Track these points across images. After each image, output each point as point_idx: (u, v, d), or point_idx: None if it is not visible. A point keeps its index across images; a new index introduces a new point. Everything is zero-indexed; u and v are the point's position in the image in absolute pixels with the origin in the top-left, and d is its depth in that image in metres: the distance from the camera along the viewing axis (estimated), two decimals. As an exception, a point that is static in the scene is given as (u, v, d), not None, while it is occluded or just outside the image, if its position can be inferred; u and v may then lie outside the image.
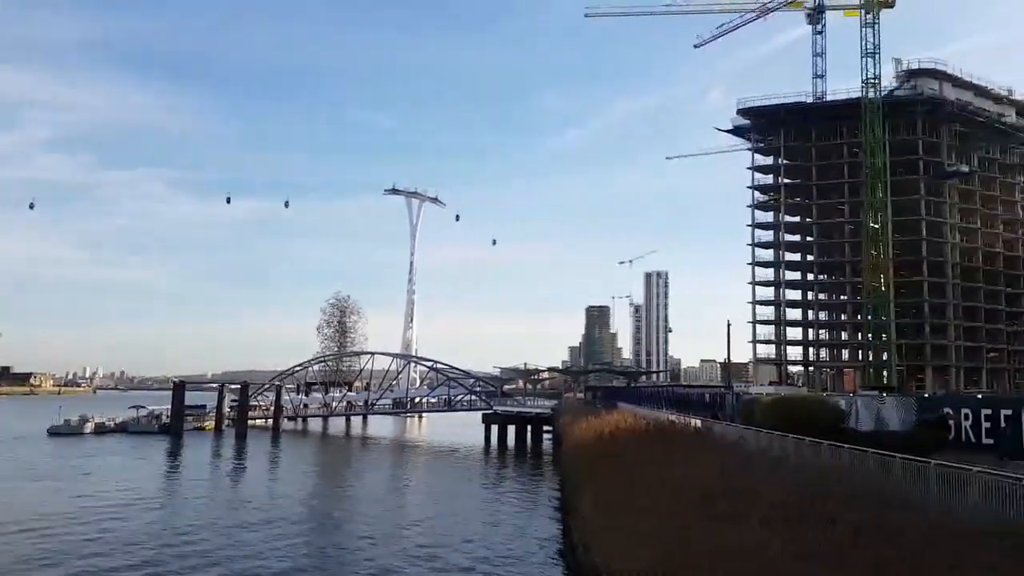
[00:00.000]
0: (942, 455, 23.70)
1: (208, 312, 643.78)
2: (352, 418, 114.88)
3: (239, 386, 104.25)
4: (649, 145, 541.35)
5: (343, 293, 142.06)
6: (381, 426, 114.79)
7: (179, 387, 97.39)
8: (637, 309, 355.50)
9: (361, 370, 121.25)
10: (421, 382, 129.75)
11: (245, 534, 34.88)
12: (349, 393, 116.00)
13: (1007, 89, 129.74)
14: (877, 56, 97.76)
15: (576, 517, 28.30)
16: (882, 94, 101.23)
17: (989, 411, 28.45)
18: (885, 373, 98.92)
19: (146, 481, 52.68)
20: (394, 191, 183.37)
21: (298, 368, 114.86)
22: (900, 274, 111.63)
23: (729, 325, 72.69)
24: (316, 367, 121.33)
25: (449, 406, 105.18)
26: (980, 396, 58.33)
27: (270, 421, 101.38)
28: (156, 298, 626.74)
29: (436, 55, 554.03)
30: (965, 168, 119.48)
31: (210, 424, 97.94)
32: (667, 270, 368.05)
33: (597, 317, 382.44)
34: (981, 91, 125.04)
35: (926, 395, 75.54)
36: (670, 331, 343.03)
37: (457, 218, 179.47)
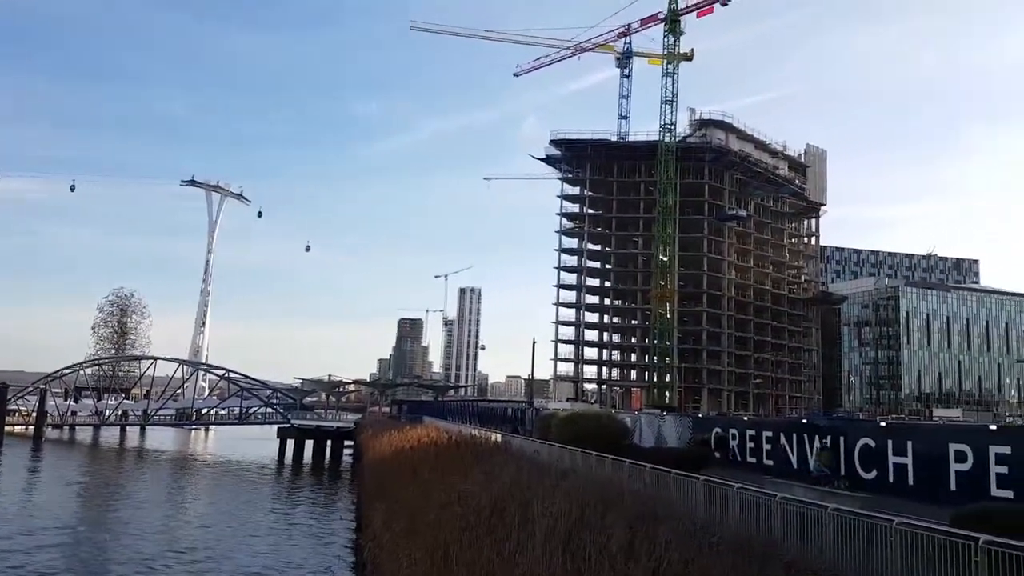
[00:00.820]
0: (711, 471, 26.61)
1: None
2: (128, 429, 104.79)
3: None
4: (467, 163, 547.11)
5: (125, 289, 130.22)
6: (161, 439, 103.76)
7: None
8: (449, 323, 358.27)
9: (141, 376, 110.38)
10: (210, 392, 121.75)
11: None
12: (126, 401, 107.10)
13: (782, 144, 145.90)
14: (674, 104, 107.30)
15: (367, 534, 28.09)
16: (676, 139, 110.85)
17: (753, 432, 30.67)
18: (667, 393, 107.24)
19: None
20: (193, 183, 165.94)
21: (67, 371, 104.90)
22: (683, 304, 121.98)
23: (534, 343, 76.43)
24: (89, 371, 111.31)
25: (241, 419, 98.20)
26: (746, 418, 64.82)
27: (31, 429, 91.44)
28: None
29: (252, 52, 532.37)
30: (743, 213, 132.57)
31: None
32: (481, 286, 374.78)
33: (409, 330, 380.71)
34: (760, 144, 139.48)
35: (700, 415, 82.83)
36: (483, 348, 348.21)
37: (260, 214, 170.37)
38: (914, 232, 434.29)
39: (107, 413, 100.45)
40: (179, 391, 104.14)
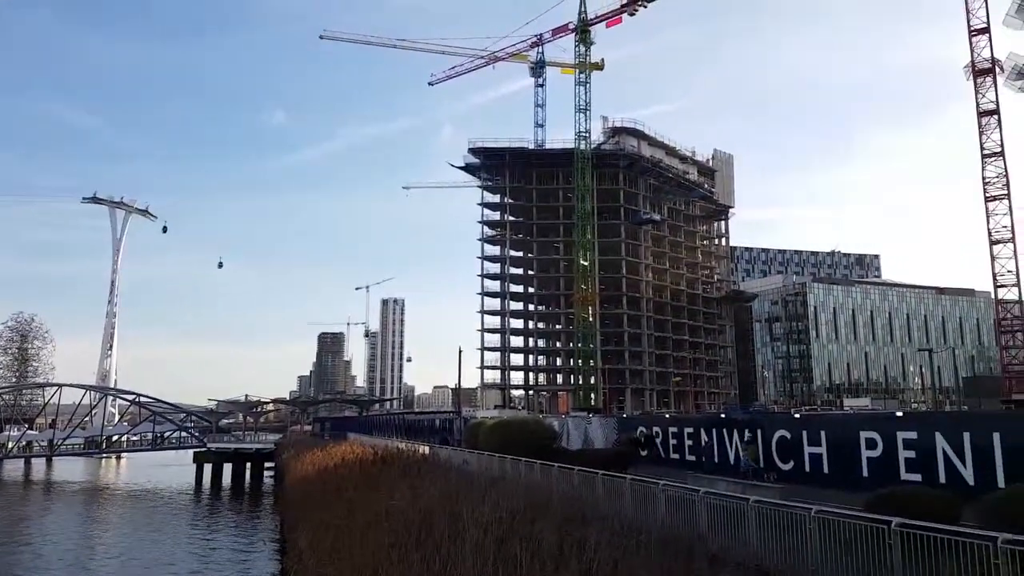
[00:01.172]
0: (638, 470, 26.66)
1: None
2: (33, 461, 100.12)
3: None
4: (385, 173, 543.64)
5: (25, 314, 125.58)
6: (70, 470, 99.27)
7: None
8: (372, 336, 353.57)
9: (45, 404, 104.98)
10: (121, 418, 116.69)
11: None
12: (29, 431, 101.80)
13: (691, 150, 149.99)
14: (588, 112, 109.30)
15: (292, 557, 27.54)
16: (591, 147, 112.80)
17: (675, 429, 31.36)
18: (593, 395, 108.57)
19: None
20: (95, 200, 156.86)
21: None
22: (605, 306, 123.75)
23: (460, 352, 75.99)
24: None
25: (154, 444, 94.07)
26: (668, 416, 66.17)
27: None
28: None
29: (157, 60, 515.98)
30: (657, 217, 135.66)
31: None
32: (404, 297, 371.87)
33: (330, 344, 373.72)
34: (671, 150, 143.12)
35: (625, 415, 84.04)
36: (409, 360, 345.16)
37: (164, 230, 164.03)
38: (818, 230, 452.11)
39: (9, 445, 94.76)
40: (87, 418, 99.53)
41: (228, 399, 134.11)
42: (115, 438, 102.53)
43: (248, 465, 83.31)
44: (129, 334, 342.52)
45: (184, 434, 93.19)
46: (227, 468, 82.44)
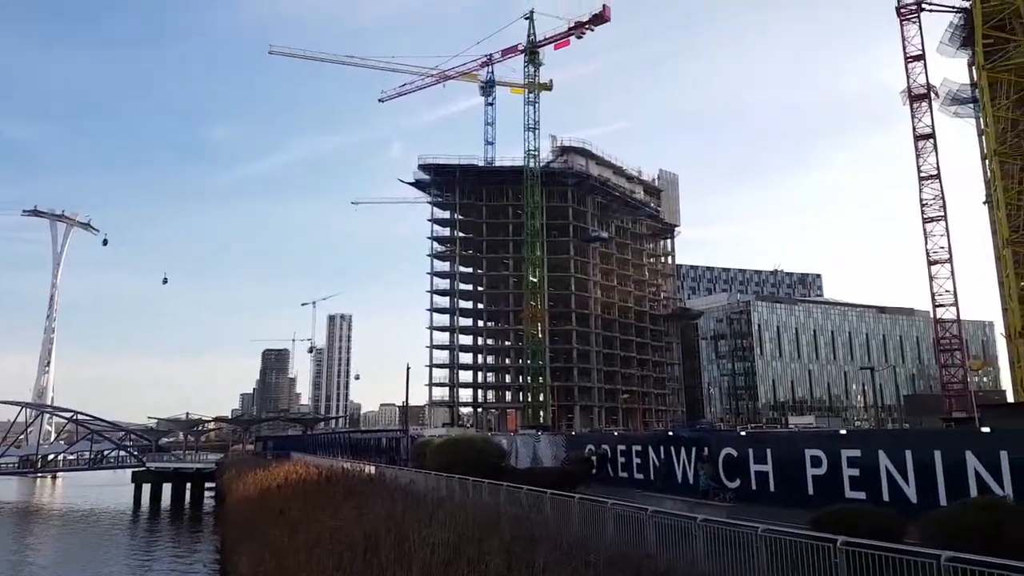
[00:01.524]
0: (587, 488, 26.35)
1: None
2: None
3: None
4: (334, 188, 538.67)
5: None
6: (2, 489, 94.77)
7: None
8: (318, 352, 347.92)
9: None
10: (57, 436, 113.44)
11: None
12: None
13: (637, 170, 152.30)
14: (537, 131, 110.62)
15: None
16: (541, 165, 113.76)
17: (624, 447, 31.32)
18: (542, 413, 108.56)
19: None
20: (36, 212, 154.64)
21: None
22: (554, 323, 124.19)
23: (408, 368, 74.90)
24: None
25: (92, 464, 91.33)
26: (616, 433, 66.42)
27: None
28: None
29: (100, 72, 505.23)
30: (605, 234, 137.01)
31: None
32: (352, 313, 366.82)
33: (275, 361, 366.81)
34: (618, 170, 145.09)
35: (574, 433, 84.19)
36: (357, 378, 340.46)
37: (105, 243, 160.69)
38: (761, 249, 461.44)
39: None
40: (22, 436, 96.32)
41: (168, 417, 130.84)
42: (51, 457, 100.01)
43: (188, 485, 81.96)
44: (68, 350, 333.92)
45: (123, 453, 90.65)
46: (167, 488, 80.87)
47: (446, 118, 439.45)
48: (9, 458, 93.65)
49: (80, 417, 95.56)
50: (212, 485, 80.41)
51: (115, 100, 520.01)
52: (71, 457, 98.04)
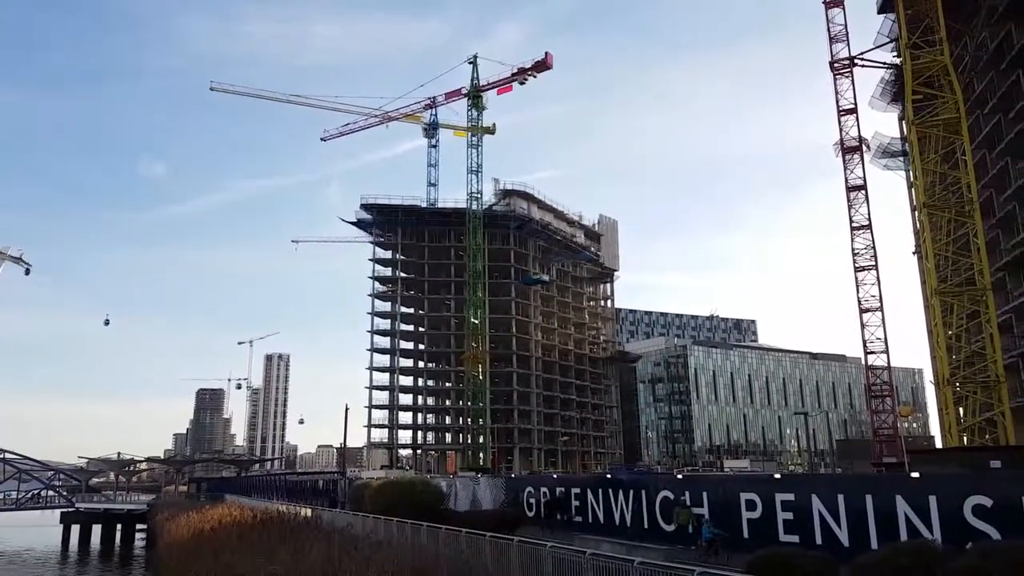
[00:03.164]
0: (526, 531, 26.40)
1: None
2: None
3: None
4: (274, 227, 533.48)
5: None
6: None
7: None
8: (254, 393, 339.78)
9: None
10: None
11: None
12: None
13: (578, 214, 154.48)
14: (480, 174, 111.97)
15: None
16: (483, 208, 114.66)
17: (562, 489, 31.38)
18: (482, 455, 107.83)
19: None
20: None
21: None
22: (495, 365, 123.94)
23: (347, 409, 74.45)
24: None
25: (18, 504, 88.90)
26: (555, 475, 66.33)
27: None
28: None
29: (37, 109, 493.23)
30: (546, 277, 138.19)
31: None
32: (289, 353, 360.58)
33: (209, 401, 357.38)
34: (559, 214, 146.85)
35: (513, 475, 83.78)
36: (301, 422, 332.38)
37: (28, 272, 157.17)
38: (696, 295, 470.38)
39: None
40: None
41: (99, 457, 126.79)
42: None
43: (119, 527, 79.59)
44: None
45: (51, 493, 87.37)
46: (96, 530, 78.57)
47: (389, 159, 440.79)
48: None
49: (6, 455, 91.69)
50: (144, 527, 78.17)
51: (47, 137, 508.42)
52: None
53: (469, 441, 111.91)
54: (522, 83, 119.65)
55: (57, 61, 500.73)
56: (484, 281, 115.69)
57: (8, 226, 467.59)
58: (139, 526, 79.79)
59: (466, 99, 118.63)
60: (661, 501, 24.91)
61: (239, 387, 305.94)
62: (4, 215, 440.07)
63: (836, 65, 75.37)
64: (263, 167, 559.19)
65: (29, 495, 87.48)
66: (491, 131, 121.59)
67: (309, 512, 42.18)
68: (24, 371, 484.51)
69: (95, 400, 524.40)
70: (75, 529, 78.06)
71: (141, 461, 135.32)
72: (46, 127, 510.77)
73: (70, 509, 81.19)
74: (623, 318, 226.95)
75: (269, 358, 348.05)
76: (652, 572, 13.98)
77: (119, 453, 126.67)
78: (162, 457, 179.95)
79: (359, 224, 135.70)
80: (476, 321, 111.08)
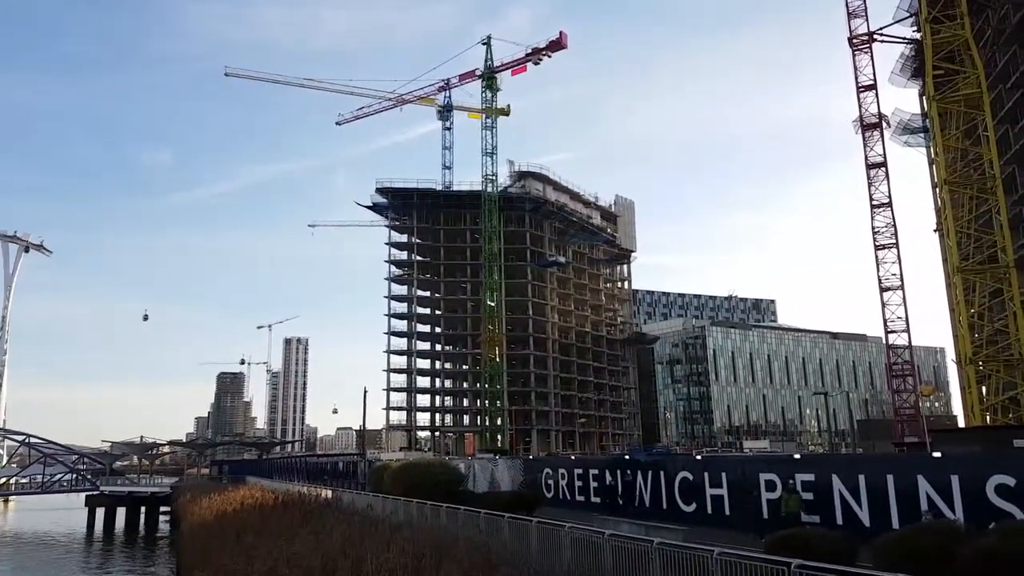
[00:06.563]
0: (544, 512, 26.32)
1: None
2: None
3: None
4: (291, 211, 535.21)
5: None
6: None
7: None
8: (275, 376, 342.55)
9: None
10: (9, 459, 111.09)
11: None
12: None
13: (594, 195, 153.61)
14: (495, 156, 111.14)
15: None
16: (498, 190, 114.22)
17: (580, 471, 31.04)
18: (499, 437, 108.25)
19: None
20: None
21: None
22: (511, 347, 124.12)
23: (365, 392, 74.33)
24: None
25: (44, 487, 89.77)
26: (573, 457, 66.39)
27: None
28: None
29: (53, 96, 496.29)
30: (562, 259, 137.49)
31: None
32: (308, 336, 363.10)
33: (230, 385, 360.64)
34: (575, 195, 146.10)
35: (531, 457, 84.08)
36: (335, 412, 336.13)
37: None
38: (715, 275, 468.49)
39: None
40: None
41: (122, 441, 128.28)
42: (3, 480, 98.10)
43: (143, 509, 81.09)
44: (20, 373, 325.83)
45: (76, 477, 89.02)
46: (121, 512, 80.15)
47: (404, 142, 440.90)
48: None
49: (33, 440, 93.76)
50: (167, 509, 79.46)
51: (63, 125, 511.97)
52: (23, 480, 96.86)
53: (487, 423, 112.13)
54: (537, 63, 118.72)
55: (68, 48, 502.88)
56: (500, 264, 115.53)
57: (26, 213, 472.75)
58: (163, 508, 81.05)
59: (480, 81, 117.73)
60: (680, 483, 24.84)
61: (269, 372, 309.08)
62: (21, 202, 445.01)
63: (855, 41, 74.36)
64: (280, 152, 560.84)
65: (54, 478, 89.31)
66: (506, 113, 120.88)
67: (330, 494, 42.55)
68: (47, 357, 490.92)
69: (117, 385, 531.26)
70: (100, 512, 79.56)
71: (164, 444, 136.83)
72: (56, 114, 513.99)
73: (95, 492, 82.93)
74: (640, 299, 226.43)
75: (288, 342, 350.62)
76: (672, 552, 14.00)
77: (142, 437, 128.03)
78: (184, 440, 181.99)
79: (374, 208, 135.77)
80: (492, 304, 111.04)
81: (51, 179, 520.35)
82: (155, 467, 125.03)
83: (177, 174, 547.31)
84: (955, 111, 54.86)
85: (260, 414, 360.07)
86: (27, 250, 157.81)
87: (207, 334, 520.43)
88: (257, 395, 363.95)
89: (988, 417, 51.29)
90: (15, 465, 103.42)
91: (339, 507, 37.70)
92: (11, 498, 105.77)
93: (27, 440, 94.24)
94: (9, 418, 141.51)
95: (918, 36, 66.16)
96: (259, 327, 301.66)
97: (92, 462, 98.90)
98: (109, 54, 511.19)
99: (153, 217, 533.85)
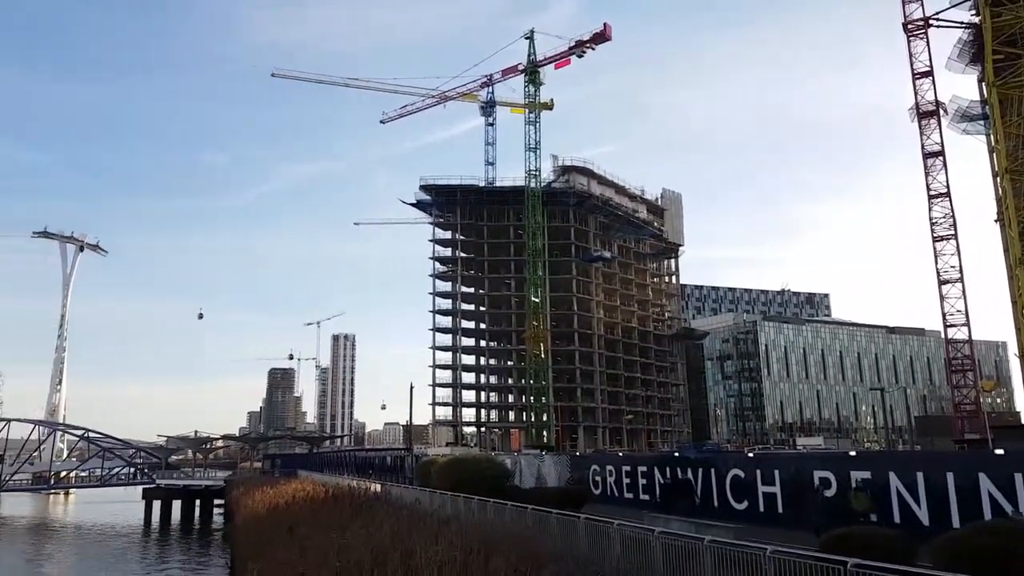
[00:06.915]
0: (591, 508, 26.13)
1: None
2: None
3: None
4: (336, 209, 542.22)
5: None
6: (16, 506, 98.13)
7: None
8: (323, 372, 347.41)
9: None
10: (69, 453, 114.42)
11: None
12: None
13: (640, 189, 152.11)
14: (538, 151, 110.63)
15: None
16: (541, 185, 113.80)
17: (628, 468, 31.01)
18: (545, 433, 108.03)
19: None
20: (45, 234, 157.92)
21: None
22: (557, 343, 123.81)
23: (412, 388, 75.57)
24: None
25: (103, 481, 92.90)
26: (621, 454, 65.99)
27: None
28: None
29: (106, 99, 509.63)
30: (607, 254, 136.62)
31: None
32: (355, 333, 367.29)
33: (281, 380, 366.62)
34: (620, 189, 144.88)
35: (578, 453, 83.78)
36: (384, 408, 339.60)
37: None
38: (766, 269, 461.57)
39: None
40: (35, 454, 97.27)
41: (177, 435, 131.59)
42: (63, 474, 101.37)
43: (198, 502, 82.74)
44: (78, 370, 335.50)
45: (133, 470, 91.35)
46: (176, 505, 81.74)
47: (447, 139, 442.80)
48: (23, 475, 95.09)
49: (91, 435, 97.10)
50: (221, 502, 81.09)
51: (120, 127, 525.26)
52: (83, 474, 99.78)
53: (532, 419, 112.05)
54: (580, 55, 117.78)
55: (130, 51, 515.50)
56: (544, 259, 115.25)
57: (83, 214, 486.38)
58: (217, 501, 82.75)
59: (523, 75, 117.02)
60: (732, 480, 24.49)
61: (319, 367, 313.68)
62: (79, 203, 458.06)
63: (910, 26, 72.41)
64: (325, 151, 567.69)
65: (112, 472, 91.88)
66: (549, 107, 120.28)
67: (379, 487, 42.85)
68: (104, 354, 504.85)
69: (172, 381, 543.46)
70: (156, 504, 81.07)
71: (217, 439, 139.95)
72: (117, 118, 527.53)
73: (151, 485, 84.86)
74: (689, 294, 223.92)
75: (336, 338, 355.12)
76: (723, 550, 13.76)
77: (196, 431, 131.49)
78: (237, 435, 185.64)
79: (418, 205, 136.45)
80: (537, 299, 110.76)
81: (105, 182, 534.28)
82: (209, 461, 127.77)
83: (229, 175, 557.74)
84: (1016, 97, 53.13)
85: (310, 409, 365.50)
86: (82, 249, 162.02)
87: (257, 331, 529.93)
88: (307, 390, 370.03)
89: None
90: (75, 459, 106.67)
91: (388, 501, 37.88)
92: (71, 491, 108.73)
93: (86, 435, 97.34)
94: (68, 414, 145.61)
95: (976, 20, 64.02)
96: (307, 324, 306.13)
97: (148, 456, 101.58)
98: (161, 57, 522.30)
99: (203, 218, 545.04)
